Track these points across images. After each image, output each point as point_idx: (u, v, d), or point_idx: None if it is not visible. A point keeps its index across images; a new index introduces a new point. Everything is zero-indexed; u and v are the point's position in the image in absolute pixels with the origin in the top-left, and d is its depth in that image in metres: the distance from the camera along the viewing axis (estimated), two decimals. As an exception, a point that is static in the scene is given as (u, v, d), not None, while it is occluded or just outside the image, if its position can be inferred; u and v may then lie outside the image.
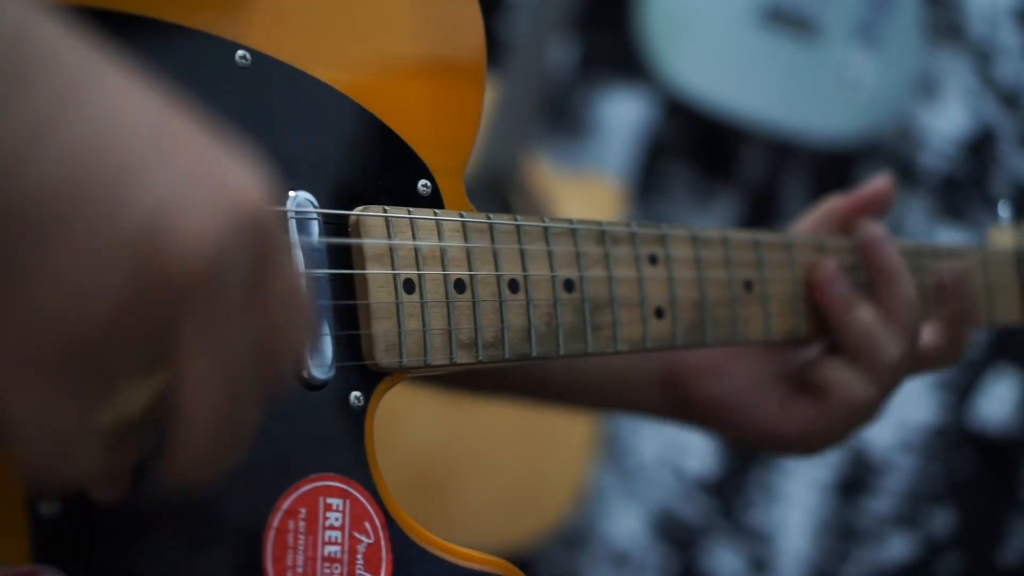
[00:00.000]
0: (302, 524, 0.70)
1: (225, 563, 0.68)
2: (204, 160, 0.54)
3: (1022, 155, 2.40)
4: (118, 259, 0.51)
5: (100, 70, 0.54)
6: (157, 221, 0.52)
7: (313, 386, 0.72)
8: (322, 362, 0.72)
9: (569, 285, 0.82)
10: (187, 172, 0.53)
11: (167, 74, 0.68)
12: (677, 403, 1.05)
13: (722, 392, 1.02)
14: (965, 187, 2.39)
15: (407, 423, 2.05)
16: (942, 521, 2.38)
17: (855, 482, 2.40)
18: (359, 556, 0.72)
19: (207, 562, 0.68)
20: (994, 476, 2.39)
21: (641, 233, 0.87)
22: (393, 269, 0.74)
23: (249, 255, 0.54)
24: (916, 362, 1.00)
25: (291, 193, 0.72)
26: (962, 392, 2.36)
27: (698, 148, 2.44)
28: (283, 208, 0.71)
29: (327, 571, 0.71)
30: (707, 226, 0.92)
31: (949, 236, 2.38)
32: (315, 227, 0.72)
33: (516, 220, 0.80)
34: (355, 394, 0.73)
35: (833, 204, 1.05)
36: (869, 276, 1.00)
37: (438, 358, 0.75)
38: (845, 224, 1.04)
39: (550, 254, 0.81)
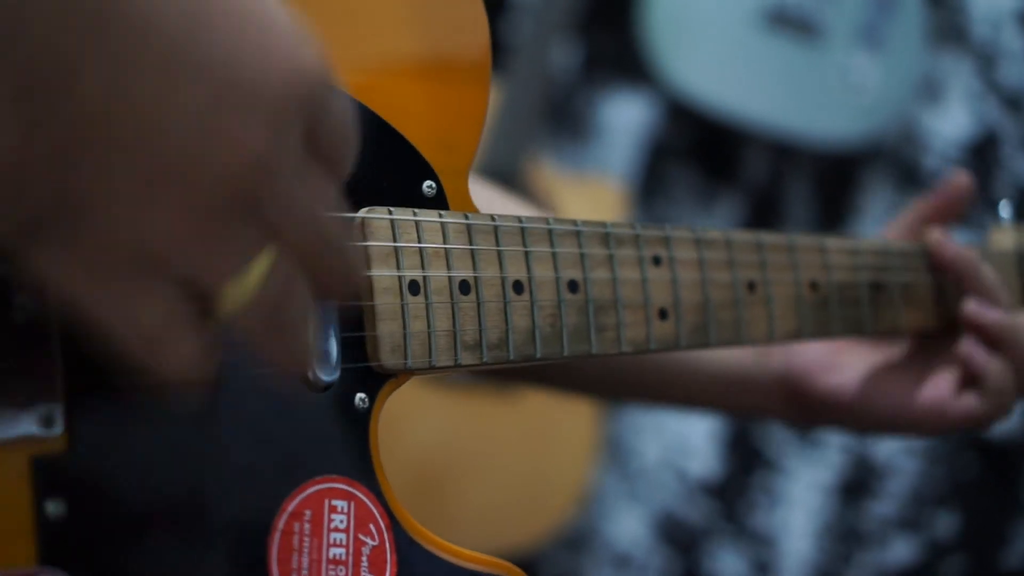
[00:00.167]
0: (307, 526, 0.70)
1: (230, 565, 0.68)
2: (245, 39, 0.55)
3: (1025, 158, 2.40)
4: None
5: None
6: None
7: (318, 387, 0.71)
8: (327, 363, 0.72)
9: (573, 286, 0.82)
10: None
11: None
12: (800, 405, 1.09)
13: (844, 382, 1.07)
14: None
15: (410, 425, 2.05)
16: (945, 524, 2.38)
17: (858, 485, 2.40)
18: (363, 558, 0.72)
19: (212, 564, 0.68)
20: (997, 479, 2.39)
21: (645, 234, 0.87)
22: (398, 270, 0.74)
23: (300, 129, 0.56)
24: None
25: (296, 195, 0.72)
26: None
27: (701, 150, 2.44)
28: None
29: (332, 573, 0.71)
30: (710, 228, 0.92)
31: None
32: (319, 228, 0.72)
33: (520, 221, 0.80)
34: (360, 395, 0.73)
35: (917, 207, 1.10)
36: (951, 274, 1.06)
37: (443, 359, 0.75)
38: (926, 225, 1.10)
39: (554, 255, 0.81)
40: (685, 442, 2.42)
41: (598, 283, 0.83)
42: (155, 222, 0.52)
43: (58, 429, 0.62)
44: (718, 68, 2.28)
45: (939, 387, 1.04)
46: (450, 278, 0.76)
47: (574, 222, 0.83)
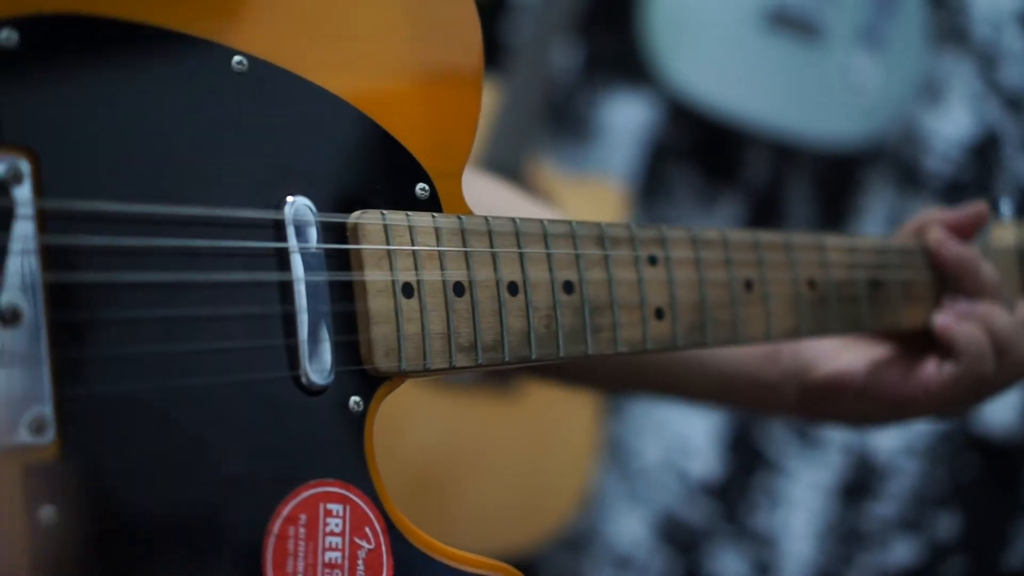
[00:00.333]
0: (302, 530, 0.70)
1: (225, 571, 0.68)
2: None
3: (1026, 158, 2.40)
4: None
5: None
6: None
7: (312, 391, 0.71)
8: (321, 367, 0.71)
9: (568, 287, 0.82)
10: None
11: (164, 81, 0.68)
12: (806, 396, 1.11)
13: (841, 366, 1.08)
14: (970, 191, 2.39)
15: (410, 426, 2.04)
16: (946, 525, 2.37)
17: (859, 486, 2.40)
18: (360, 562, 0.72)
19: (207, 570, 0.68)
20: (998, 480, 2.39)
21: (640, 235, 0.86)
22: (392, 273, 0.74)
23: None
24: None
25: (289, 199, 0.72)
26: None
27: (702, 151, 2.44)
28: (280, 214, 0.71)
29: (327, 577, 0.71)
30: (707, 227, 0.92)
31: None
32: (313, 233, 0.72)
33: (515, 223, 0.80)
34: (354, 399, 0.73)
35: (932, 214, 1.11)
36: (949, 274, 1.07)
37: (437, 362, 0.75)
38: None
39: (549, 256, 0.81)
40: (686, 443, 2.42)
41: (593, 284, 0.83)
42: None
43: (50, 437, 0.62)
44: (719, 69, 2.27)
45: (927, 368, 1.05)
46: (444, 280, 0.76)
47: (569, 223, 0.83)
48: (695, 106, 2.25)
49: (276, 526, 0.69)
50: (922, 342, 1.06)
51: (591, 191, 2.26)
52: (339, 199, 0.74)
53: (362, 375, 0.74)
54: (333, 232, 0.73)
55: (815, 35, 2.27)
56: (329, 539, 0.71)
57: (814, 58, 2.28)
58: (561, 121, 2.40)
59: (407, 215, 0.75)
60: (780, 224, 2.42)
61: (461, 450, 2.10)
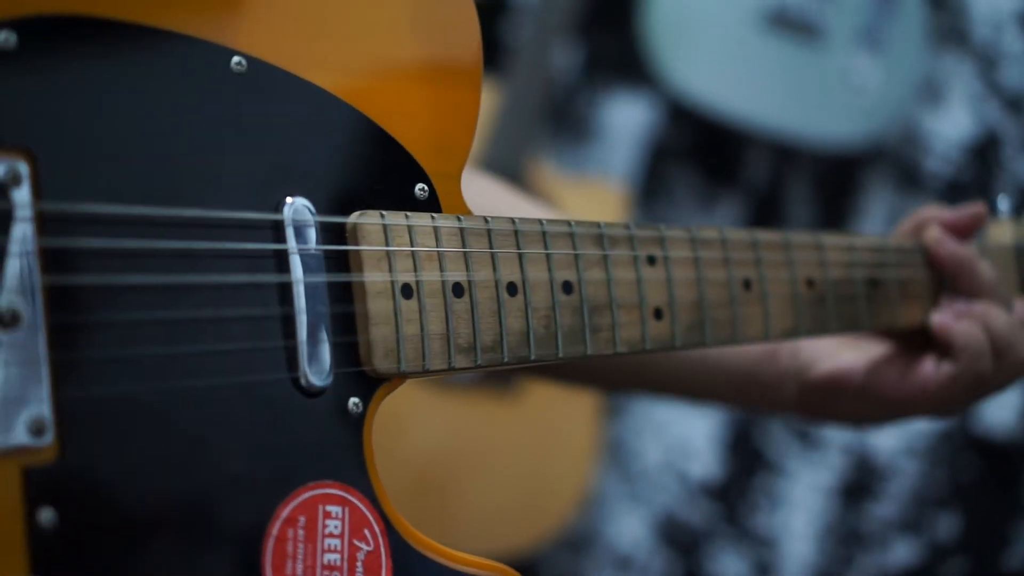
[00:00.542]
0: (301, 532, 0.70)
1: (225, 572, 0.68)
2: None
3: (1026, 158, 2.40)
4: None
5: None
6: None
7: (311, 393, 0.71)
8: (320, 369, 0.71)
9: (567, 287, 0.82)
10: None
11: (163, 81, 0.68)
12: (807, 395, 1.11)
13: (840, 365, 1.08)
14: (970, 191, 2.39)
15: (411, 427, 2.04)
16: (946, 526, 2.37)
17: (859, 487, 2.40)
18: (359, 563, 0.72)
19: (206, 571, 0.68)
20: (998, 481, 2.39)
21: (639, 234, 0.86)
22: (391, 274, 0.74)
23: None
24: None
25: (288, 200, 0.72)
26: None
27: (702, 152, 2.44)
28: (279, 215, 0.71)
29: (326, 578, 0.71)
30: (705, 226, 0.92)
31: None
32: (312, 234, 0.72)
33: (514, 223, 0.80)
34: (353, 400, 0.73)
35: (929, 212, 1.11)
36: (947, 273, 1.07)
37: (436, 363, 0.75)
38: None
39: (548, 257, 0.81)
40: (686, 444, 2.42)
41: (592, 284, 0.83)
42: None
43: (49, 439, 0.62)
44: (719, 70, 2.27)
45: (925, 367, 1.05)
46: (443, 281, 0.76)
47: (568, 223, 0.83)
48: (695, 107, 2.25)
49: (275, 528, 0.69)
50: (920, 341, 1.07)
51: (591, 192, 2.26)
52: (338, 200, 0.74)
53: (361, 376, 0.73)
54: (332, 233, 0.73)
55: (815, 36, 2.27)
56: (328, 541, 0.71)
57: (814, 59, 2.28)
58: (561, 122, 2.40)
59: (406, 216, 0.75)
60: (780, 225, 2.42)
61: (461, 451, 2.10)
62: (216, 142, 0.70)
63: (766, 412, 1.32)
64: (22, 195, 0.62)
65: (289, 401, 0.71)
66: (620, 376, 1.19)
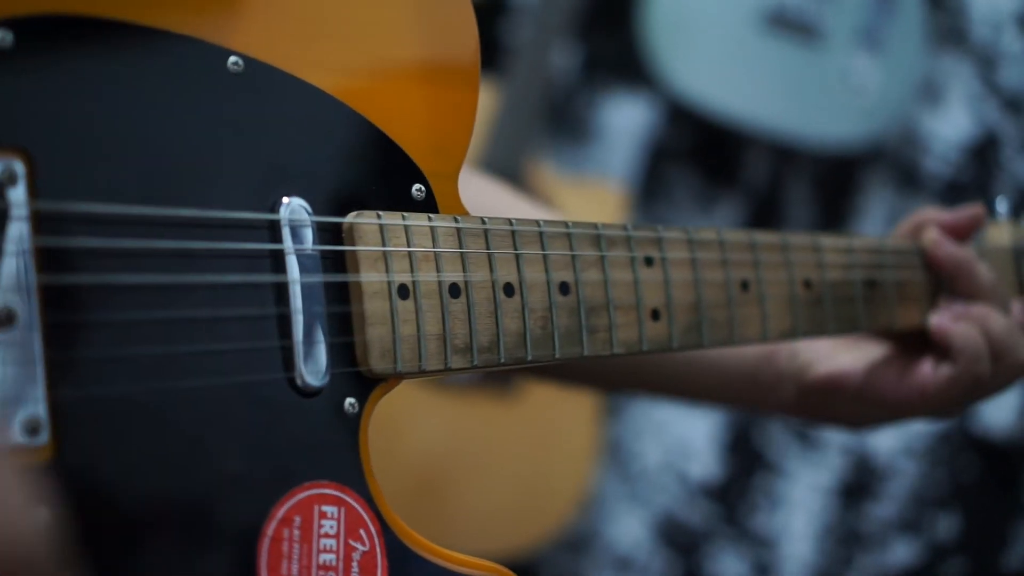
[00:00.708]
0: (297, 532, 0.70)
1: (220, 572, 0.68)
2: None
3: (1026, 159, 2.40)
4: None
5: None
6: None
7: (307, 393, 0.71)
8: (316, 369, 0.71)
9: (564, 288, 0.82)
10: None
11: (159, 81, 0.68)
12: (805, 396, 1.11)
13: (838, 366, 1.08)
14: (969, 192, 2.39)
15: (410, 428, 2.04)
16: (946, 526, 2.37)
17: (859, 487, 2.40)
18: (354, 564, 0.72)
19: (201, 571, 0.68)
20: (998, 481, 2.38)
21: (636, 235, 0.86)
22: (387, 275, 0.74)
23: None
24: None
25: (285, 200, 0.72)
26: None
27: (701, 153, 2.44)
28: (276, 215, 0.71)
29: (322, 578, 0.71)
30: (703, 227, 0.92)
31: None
32: (309, 234, 0.72)
33: (511, 224, 0.80)
34: (350, 400, 0.73)
35: (928, 214, 1.11)
36: (945, 275, 1.07)
37: (433, 364, 0.75)
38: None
39: (545, 258, 0.81)
40: (686, 444, 2.42)
41: (589, 284, 0.83)
42: None
43: (44, 438, 0.62)
44: (718, 70, 2.27)
45: (923, 368, 1.05)
46: (440, 282, 0.76)
47: (565, 224, 0.83)
48: (694, 107, 2.25)
49: (271, 528, 0.69)
50: (918, 343, 1.06)
51: (590, 192, 2.26)
52: (335, 200, 0.74)
53: (357, 377, 0.73)
54: (329, 233, 0.73)
55: (814, 36, 2.27)
56: (324, 541, 0.71)
57: (813, 59, 2.27)
58: (560, 122, 2.40)
59: (403, 216, 0.75)
60: (779, 225, 2.42)
61: (461, 452, 2.10)
62: (213, 142, 0.70)
63: (764, 413, 1.32)
64: (18, 194, 0.62)
65: (285, 401, 0.71)
66: (618, 376, 1.19)
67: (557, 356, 0.81)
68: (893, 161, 2.42)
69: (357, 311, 0.73)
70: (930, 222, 1.09)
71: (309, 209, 0.73)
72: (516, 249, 0.80)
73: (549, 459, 2.18)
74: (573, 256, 0.82)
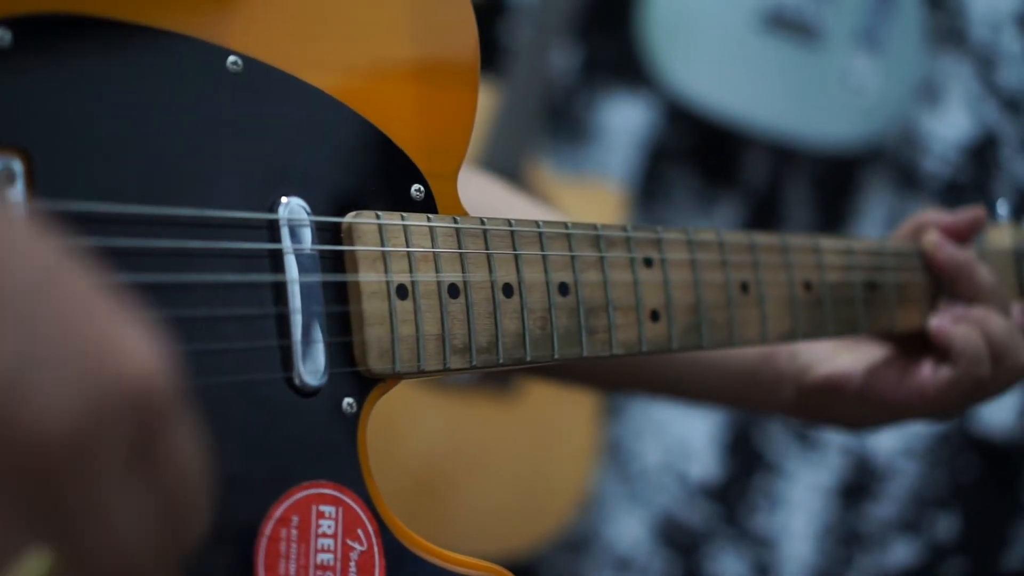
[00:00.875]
0: (294, 532, 0.70)
1: (217, 572, 0.68)
2: (82, 325, 0.50)
3: (1025, 159, 2.40)
4: None
5: None
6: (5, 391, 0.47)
7: (306, 392, 0.71)
8: (315, 369, 0.71)
9: (564, 289, 0.82)
10: (54, 337, 0.49)
11: (158, 81, 0.68)
12: (805, 397, 1.11)
13: (838, 368, 1.08)
14: (968, 192, 2.39)
15: (410, 428, 2.04)
16: (946, 526, 2.37)
17: (858, 487, 2.40)
18: (352, 564, 0.72)
19: (199, 571, 0.68)
20: (998, 481, 2.38)
21: (636, 236, 0.86)
22: (386, 275, 0.74)
23: (128, 430, 0.50)
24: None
25: (283, 200, 0.72)
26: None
27: (700, 153, 2.44)
28: (274, 215, 0.71)
29: (320, 578, 0.71)
30: (703, 228, 0.92)
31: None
32: (308, 234, 0.72)
33: (510, 224, 0.80)
34: (348, 400, 0.73)
35: (928, 216, 1.11)
36: (945, 278, 1.07)
37: (431, 364, 0.75)
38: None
39: (544, 258, 0.81)
40: (685, 445, 2.42)
41: (589, 285, 0.83)
42: None
43: None
44: (717, 71, 2.27)
45: (923, 370, 1.05)
46: (439, 282, 0.76)
47: (564, 224, 0.83)
48: (693, 108, 2.25)
49: (268, 527, 0.69)
50: (918, 345, 1.06)
51: (590, 193, 2.26)
52: (334, 200, 0.74)
53: (356, 377, 0.73)
54: (327, 233, 0.73)
55: (813, 37, 2.27)
56: (321, 541, 0.71)
57: (813, 60, 2.28)
58: (559, 123, 2.40)
59: (402, 216, 0.75)
60: (779, 226, 2.42)
61: (460, 452, 2.10)
62: (212, 141, 0.70)
63: (764, 414, 1.32)
64: (16, 193, 0.62)
65: (283, 401, 0.70)
66: (617, 376, 1.19)
67: (556, 357, 0.81)
68: (892, 161, 2.42)
69: (356, 311, 0.73)
70: (930, 224, 1.09)
71: (308, 209, 0.72)
72: (515, 250, 0.80)
73: (549, 459, 2.18)
74: (572, 257, 0.82)
